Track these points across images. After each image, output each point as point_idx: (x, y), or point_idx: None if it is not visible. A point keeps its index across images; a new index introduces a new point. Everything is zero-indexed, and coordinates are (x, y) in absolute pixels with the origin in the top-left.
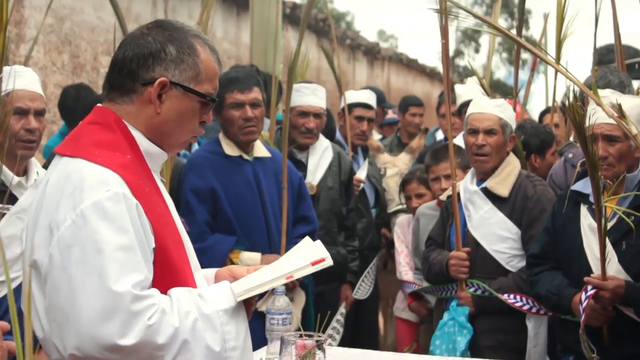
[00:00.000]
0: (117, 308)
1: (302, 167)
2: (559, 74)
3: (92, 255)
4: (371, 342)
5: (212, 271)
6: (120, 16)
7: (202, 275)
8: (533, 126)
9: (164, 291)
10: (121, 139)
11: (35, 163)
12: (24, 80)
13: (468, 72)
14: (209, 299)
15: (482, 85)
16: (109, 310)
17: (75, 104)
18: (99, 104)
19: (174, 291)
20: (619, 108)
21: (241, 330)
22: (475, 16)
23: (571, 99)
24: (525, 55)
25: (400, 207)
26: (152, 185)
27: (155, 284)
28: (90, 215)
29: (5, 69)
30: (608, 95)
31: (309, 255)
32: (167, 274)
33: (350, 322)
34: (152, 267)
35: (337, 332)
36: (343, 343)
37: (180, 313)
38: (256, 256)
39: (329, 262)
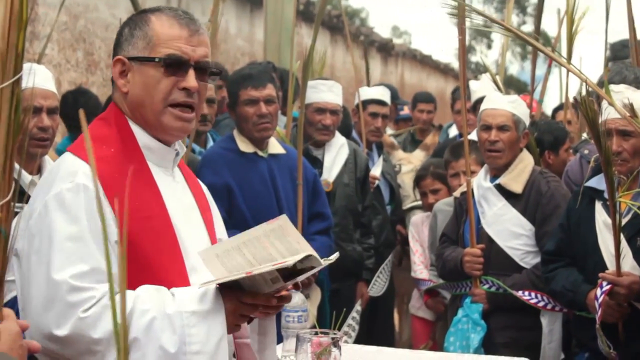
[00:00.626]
0: (55, 297)
1: (318, 163)
2: (564, 70)
3: (45, 244)
4: (387, 339)
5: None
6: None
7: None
8: (546, 122)
9: (135, 286)
10: (114, 133)
11: (49, 161)
12: (37, 78)
13: (481, 68)
14: (180, 299)
15: (495, 82)
16: (49, 299)
17: (74, 109)
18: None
19: (139, 288)
20: (630, 107)
21: (213, 335)
22: (489, 19)
23: (584, 94)
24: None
25: (415, 203)
26: (141, 179)
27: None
28: (51, 205)
29: (25, 66)
30: (623, 91)
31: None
32: (138, 269)
33: (366, 319)
34: (115, 260)
35: (352, 329)
36: (359, 340)
37: (136, 311)
38: None
39: (288, 264)
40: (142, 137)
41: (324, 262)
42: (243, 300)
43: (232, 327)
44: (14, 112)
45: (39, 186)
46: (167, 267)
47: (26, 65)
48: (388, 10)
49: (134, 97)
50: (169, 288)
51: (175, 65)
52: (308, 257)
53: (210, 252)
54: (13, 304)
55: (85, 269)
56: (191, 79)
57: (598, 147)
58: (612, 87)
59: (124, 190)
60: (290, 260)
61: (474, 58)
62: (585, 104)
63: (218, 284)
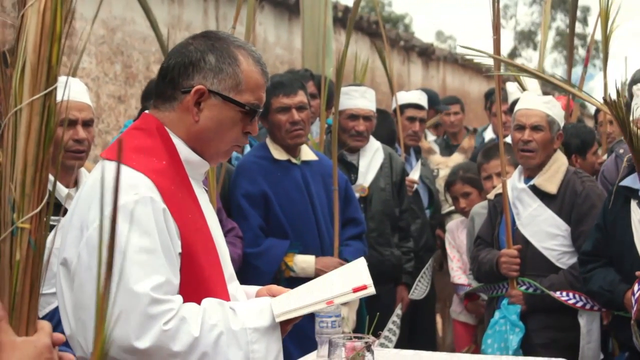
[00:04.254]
0: (134, 309)
1: (354, 169)
2: (608, 70)
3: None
4: (428, 343)
5: (253, 289)
6: (155, 26)
7: (242, 288)
8: (574, 126)
9: (190, 297)
10: (159, 145)
11: (85, 174)
12: (71, 90)
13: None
14: (242, 314)
15: (520, 85)
16: (127, 311)
17: None
18: (145, 111)
19: (205, 302)
20: None
21: (272, 350)
22: (520, 68)
23: (613, 95)
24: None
25: (453, 207)
26: (187, 192)
27: (181, 289)
28: (118, 217)
29: (61, 78)
30: None
31: (352, 280)
32: (194, 281)
33: (407, 323)
34: (179, 272)
35: (393, 333)
36: (400, 344)
37: (205, 325)
38: (310, 259)
39: (370, 290)
40: (184, 150)
41: (369, 291)
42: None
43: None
44: (45, 124)
45: (87, 196)
46: (213, 278)
47: (62, 79)
48: (432, 15)
49: (202, 128)
50: (213, 297)
51: (253, 114)
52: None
53: (283, 305)
54: (52, 316)
55: (161, 281)
56: (256, 127)
57: (630, 147)
58: (638, 85)
59: (180, 203)
60: (370, 288)
61: (518, 61)
62: (615, 104)
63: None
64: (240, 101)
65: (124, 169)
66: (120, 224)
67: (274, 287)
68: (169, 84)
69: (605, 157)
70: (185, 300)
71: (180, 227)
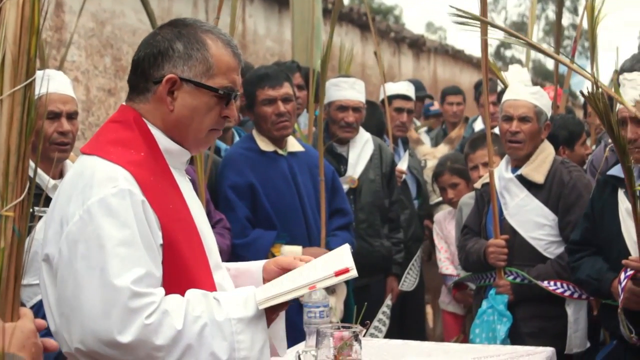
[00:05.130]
0: (115, 304)
1: (343, 160)
2: (596, 61)
3: (96, 250)
4: (418, 333)
5: (259, 264)
6: (152, 19)
7: (245, 265)
8: (562, 117)
9: (173, 288)
10: (137, 137)
11: (71, 165)
12: (55, 83)
13: (514, 62)
14: (225, 305)
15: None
16: (109, 305)
17: None
18: (123, 103)
19: (188, 293)
20: None
21: (257, 340)
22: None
23: (591, 89)
24: (567, 42)
25: (441, 198)
26: (168, 182)
27: (164, 281)
28: (96, 211)
29: (38, 72)
30: (636, 78)
31: (334, 265)
32: (177, 272)
33: (397, 314)
34: (161, 263)
35: (383, 324)
36: (390, 335)
37: (189, 317)
38: (297, 249)
39: (353, 273)
40: (162, 140)
41: (352, 274)
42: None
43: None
44: (26, 115)
45: (66, 191)
46: (196, 267)
47: (48, 72)
48: (422, 6)
49: (178, 116)
50: (198, 287)
51: (227, 97)
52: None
53: (266, 293)
54: (40, 306)
55: (142, 273)
56: (234, 110)
57: (612, 137)
58: (626, 75)
59: (160, 194)
60: (352, 271)
61: (508, 52)
62: (593, 97)
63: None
64: (212, 86)
65: (102, 162)
66: (99, 217)
67: (280, 259)
68: (140, 76)
69: (594, 147)
70: (169, 292)
71: (161, 218)
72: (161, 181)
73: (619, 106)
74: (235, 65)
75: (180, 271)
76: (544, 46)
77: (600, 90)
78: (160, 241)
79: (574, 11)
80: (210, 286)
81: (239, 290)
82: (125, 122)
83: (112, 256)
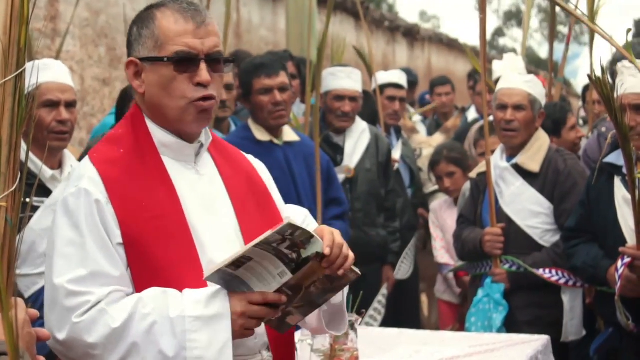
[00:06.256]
0: (55, 302)
1: (340, 150)
2: (595, 47)
3: (50, 249)
4: (413, 322)
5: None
6: None
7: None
8: (545, 106)
9: (146, 286)
10: (128, 133)
11: (69, 156)
12: (53, 72)
13: (508, 51)
14: (187, 302)
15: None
16: (52, 303)
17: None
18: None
19: (145, 291)
20: None
21: (217, 341)
22: None
23: (598, 72)
24: (562, 28)
25: (437, 187)
26: (151, 178)
27: (135, 280)
28: (58, 210)
29: (29, 63)
30: (633, 66)
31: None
32: (148, 270)
33: (392, 303)
34: (124, 262)
35: (378, 313)
36: (385, 324)
37: (136, 315)
38: None
39: (290, 221)
40: (157, 134)
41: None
42: (252, 301)
43: (242, 332)
44: (17, 105)
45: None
46: (179, 265)
47: (44, 61)
48: None
49: (151, 97)
50: (182, 286)
51: (185, 62)
52: (310, 239)
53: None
54: (37, 296)
55: (83, 274)
56: (204, 73)
57: (615, 124)
58: (625, 62)
59: (130, 192)
60: (286, 220)
61: (502, 41)
62: (599, 81)
63: (226, 282)
64: (161, 56)
65: (84, 161)
66: (58, 217)
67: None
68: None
69: (590, 135)
70: (141, 290)
71: (122, 217)
72: (138, 178)
73: (620, 92)
74: (188, 28)
75: (151, 270)
76: (539, 38)
77: (606, 75)
78: (119, 240)
79: None
80: (195, 284)
81: (207, 289)
82: (126, 117)
83: (59, 256)
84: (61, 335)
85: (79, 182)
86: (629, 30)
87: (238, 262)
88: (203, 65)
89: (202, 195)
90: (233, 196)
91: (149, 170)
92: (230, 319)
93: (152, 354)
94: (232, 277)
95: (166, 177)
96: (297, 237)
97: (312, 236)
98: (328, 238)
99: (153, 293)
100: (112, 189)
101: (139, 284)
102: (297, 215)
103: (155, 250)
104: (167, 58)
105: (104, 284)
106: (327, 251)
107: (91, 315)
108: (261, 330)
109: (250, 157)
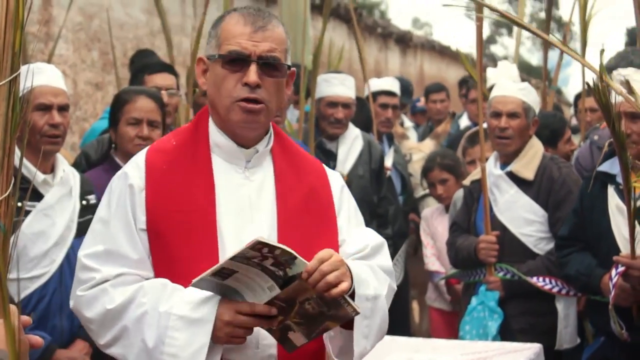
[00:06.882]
0: (75, 272)
1: (332, 156)
2: (587, 56)
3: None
4: (403, 329)
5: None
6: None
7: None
8: (543, 115)
9: (162, 275)
10: (190, 129)
11: (62, 160)
12: (46, 76)
13: (498, 59)
14: (177, 300)
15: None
16: (74, 271)
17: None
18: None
19: (149, 281)
20: (627, 83)
21: (194, 343)
22: (502, 14)
23: (596, 80)
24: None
25: (427, 191)
26: (194, 173)
27: (154, 266)
28: (107, 188)
29: (23, 67)
30: (630, 74)
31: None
32: (165, 260)
33: None
34: (145, 247)
35: None
36: None
37: (134, 301)
38: None
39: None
40: (214, 134)
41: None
42: (240, 310)
43: (228, 339)
44: (11, 110)
45: None
46: (196, 261)
47: (36, 65)
48: (407, 2)
49: (210, 95)
50: (187, 280)
51: (236, 62)
52: (294, 259)
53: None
54: (27, 302)
55: (99, 250)
56: (251, 74)
57: (612, 132)
58: (620, 70)
59: (167, 182)
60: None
61: (493, 48)
62: (597, 90)
63: (220, 290)
64: (214, 54)
65: (145, 148)
66: (104, 194)
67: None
68: None
69: (578, 140)
70: (159, 277)
71: (151, 204)
72: (180, 171)
73: (615, 101)
74: (245, 31)
75: (167, 260)
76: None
77: (606, 83)
78: (143, 226)
79: (555, 4)
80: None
81: (204, 292)
82: (197, 114)
83: (91, 230)
84: (71, 304)
85: (128, 166)
86: (602, 52)
87: (221, 273)
88: (253, 67)
89: (244, 200)
90: (281, 207)
91: (194, 165)
92: (212, 325)
93: (137, 340)
94: (224, 286)
95: (209, 176)
96: (278, 255)
97: (295, 257)
98: (312, 264)
99: (155, 284)
100: (150, 177)
101: (158, 272)
102: (355, 241)
103: (176, 242)
104: (219, 55)
105: (116, 264)
106: (304, 275)
107: (93, 292)
108: (267, 341)
109: (329, 171)
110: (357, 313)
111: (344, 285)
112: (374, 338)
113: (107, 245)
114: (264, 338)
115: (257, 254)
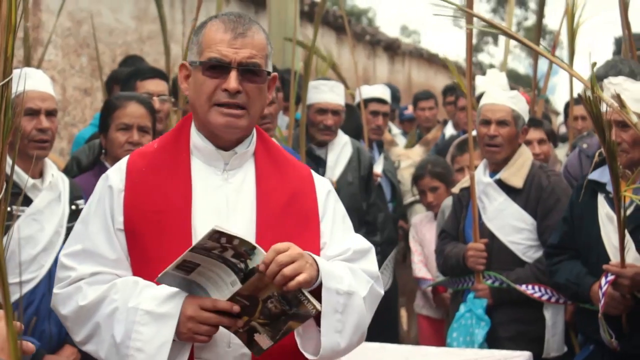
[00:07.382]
0: (56, 271)
1: (322, 163)
2: (574, 65)
3: None
4: (391, 336)
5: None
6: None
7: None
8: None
9: (138, 274)
10: (173, 132)
11: (50, 165)
12: (34, 81)
13: (485, 67)
14: (146, 295)
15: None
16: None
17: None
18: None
19: (122, 279)
20: (617, 97)
21: (159, 337)
22: (490, 24)
23: (587, 91)
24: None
25: (416, 198)
26: (174, 174)
27: (132, 265)
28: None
29: (15, 71)
30: (620, 83)
31: None
32: (140, 259)
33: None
34: (122, 247)
35: None
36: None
37: (107, 298)
38: None
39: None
40: (194, 137)
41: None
42: (203, 306)
43: (191, 335)
44: (3, 115)
45: None
46: (172, 260)
47: (16, 71)
48: (396, 9)
49: (190, 99)
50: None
51: (216, 68)
52: (253, 249)
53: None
54: (15, 307)
55: (77, 249)
56: (231, 81)
57: (602, 141)
58: (611, 79)
59: (146, 184)
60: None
61: (480, 56)
62: (588, 100)
63: (186, 286)
64: (196, 60)
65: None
66: (90, 197)
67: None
68: None
69: (566, 149)
70: (133, 275)
71: (129, 205)
72: (159, 173)
73: (605, 109)
74: (225, 38)
75: (144, 259)
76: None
77: (595, 93)
78: (120, 226)
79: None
80: None
81: (170, 288)
82: (182, 119)
83: (72, 231)
84: (52, 301)
85: (111, 169)
86: (594, 64)
87: (183, 267)
88: (233, 74)
89: (221, 201)
90: (261, 209)
91: (173, 168)
92: (177, 320)
93: (107, 336)
94: (188, 282)
95: (186, 177)
96: (237, 246)
97: (254, 247)
98: (269, 255)
99: (127, 281)
100: (130, 179)
101: (136, 271)
102: (338, 244)
103: (152, 242)
104: (199, 62)
105: (93, 263)
106: (261, 267)
107: (68, 290)
108: (239, 340)
109: (317, 177)
110: (318, 311)
111: (301, 277)
112: (350, 335)
113: (85, 245)
114: (235, 337)
115: (217, 245)
